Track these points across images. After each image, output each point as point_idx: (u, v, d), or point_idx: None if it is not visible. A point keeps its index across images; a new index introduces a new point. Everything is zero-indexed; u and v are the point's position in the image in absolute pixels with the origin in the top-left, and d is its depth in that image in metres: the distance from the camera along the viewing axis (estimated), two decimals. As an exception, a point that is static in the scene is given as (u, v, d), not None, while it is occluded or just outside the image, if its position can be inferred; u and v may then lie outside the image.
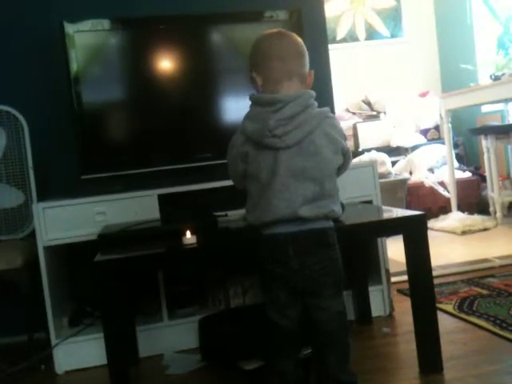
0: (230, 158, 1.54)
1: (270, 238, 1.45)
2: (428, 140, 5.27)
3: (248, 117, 1.47)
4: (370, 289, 2.40)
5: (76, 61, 2.33)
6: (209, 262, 1.93)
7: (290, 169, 1.42)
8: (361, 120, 5.41)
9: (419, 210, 2.30)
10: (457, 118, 4.80)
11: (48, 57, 2.52)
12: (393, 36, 5.77)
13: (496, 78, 3.98)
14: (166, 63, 2.48)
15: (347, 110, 5.51)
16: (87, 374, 2.16)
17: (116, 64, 2.46)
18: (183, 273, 2.36)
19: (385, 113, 5.44)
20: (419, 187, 4.73)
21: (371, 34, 5.73)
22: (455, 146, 4.99)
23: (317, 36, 2.84)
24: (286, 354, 1.50)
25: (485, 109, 5.11)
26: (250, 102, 1.48)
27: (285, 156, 1.43)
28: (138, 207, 2.20)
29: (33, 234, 2.24)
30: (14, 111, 2.47)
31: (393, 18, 5.76)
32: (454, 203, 4.48)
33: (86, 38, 2.35)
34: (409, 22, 5.76)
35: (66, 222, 2.16)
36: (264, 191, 1.44)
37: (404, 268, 1.86)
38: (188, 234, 1.72)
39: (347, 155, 1.52)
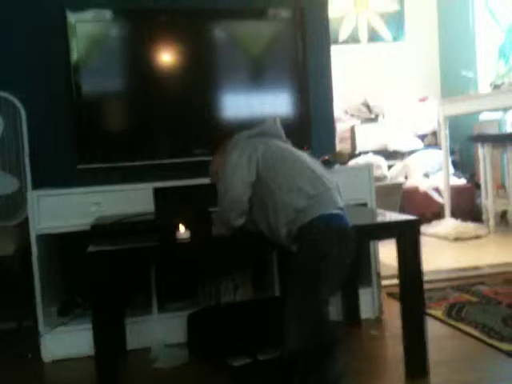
0: (237, 167, 1.63)
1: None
2: (425, 145, 5.28)
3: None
4: (360, 291, 2.40)
5: (77, 50, 2.32)
6: (200, 257, 1.93)
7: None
8: (359, 122, 5.41)
9: (413, 214, 2.29)
10: (454, 124, 4.81)
11: (49, 45, 2.51)
12: (395, 40, 5.77)
13: (496, 87, 3.99)
14: (166, 57, 2.48)
15: (346, 112, 5.51)
16: (74, 363, 2.15)
17: (116, 55, 2.45)
18: (175, 267, 2.36)
19: (383, 116, 5.45)
20: (414, 192, 4.74)
21: (373, 37, 5.73)
22: (451, 152, 5.01)
23: (320, 35, 2.83)
24: None
25: (482, 117, 5.12)
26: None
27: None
28: (134, 199, 2.20)
29: (26, 222, 2.24)
30: (11, 97, 2.46)
31: (395, 21, 5.76)
32: (447, 209, 4.49)
33: (87, 27, 2.35)
34: (411, 26, 5.76)
35: (60, 211, 2.16)
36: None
37: (395, 271, 1.87)
38: (181, 228, 1.72)
39: None
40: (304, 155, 1.72)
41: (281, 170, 1.62)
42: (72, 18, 2.31)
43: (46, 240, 2.22)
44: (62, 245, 2.40)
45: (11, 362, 2.17)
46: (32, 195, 2.16)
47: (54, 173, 2.49)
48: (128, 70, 2.47)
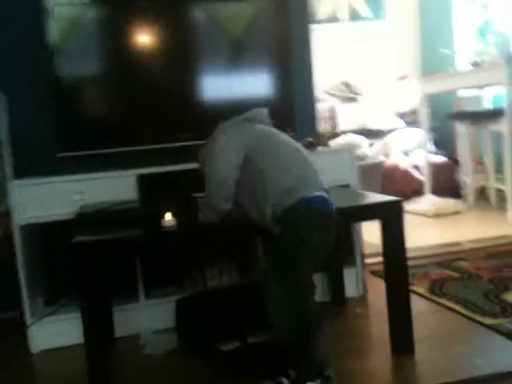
0: (224, 151, 1.64)
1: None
2: (405, 123, 5.31)
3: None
4: (345, 271, 2.44)
5: (55, 34, 2.28)
6: (186, 244, 1.94)
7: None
8: (339, 102, 5.41)
9: (393, 192, 2.32)
10: (433, 102, 4.84)
11: (27, 29, 2.44)
12: (375, 18, 5.75)
13: (475, 64, 4.02)
14: (146, 40, 2.44)
15: (326, 92, 5.50)
16: (63, 353, 2.15)
17: (96, 39, 2.41)
18: (161, 254, 2.36)
19: (363, 95, 5.46)
20: (394, 170, 4.78)
21: (353, 16, 5.71)
22: (431, 130, 5.05)
23: (300, 14, 2.79)
24: None
25: (461, 94, 5.16)
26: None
27: None
28: (117, 187, 2.19)
29: (8, 212, 2.21)
30: (-11, 85, 2.41)
31: (376, 0, 5.74)
32: (427, 186, 4.55)
33: (64, 11, 2.30)
34: (392, 4, 5.74)
35: (42, 200, 2.14)
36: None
37: (378, 249, 1.89)
38: (166, 215, 1.72)
39: None
40: (289, 138, 1.74)
41: (268, 152, 1.65)
42: (49, 0, 2.26)
43: (30, 230, 2.20)
44: (46, 234, 2.37)
45: (-1, 353, 2.17)
46: (13, 185, 2.13)
47: (35, 162, 2.45)
48: (108, 54, 2.43)
